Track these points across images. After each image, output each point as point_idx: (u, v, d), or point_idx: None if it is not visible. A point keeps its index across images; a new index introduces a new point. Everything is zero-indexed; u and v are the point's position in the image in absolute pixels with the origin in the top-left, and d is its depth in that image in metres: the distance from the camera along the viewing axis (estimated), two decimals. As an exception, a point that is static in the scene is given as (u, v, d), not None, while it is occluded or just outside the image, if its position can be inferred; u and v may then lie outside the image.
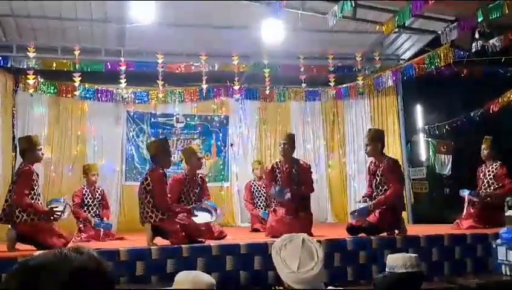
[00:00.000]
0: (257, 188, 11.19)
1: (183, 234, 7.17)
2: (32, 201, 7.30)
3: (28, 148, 7.55)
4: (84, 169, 10.07)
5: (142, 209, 7.26)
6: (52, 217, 7.41)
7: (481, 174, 9.58)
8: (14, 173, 7.71)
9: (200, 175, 8.71)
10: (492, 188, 9.36)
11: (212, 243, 7.10)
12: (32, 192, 7.38)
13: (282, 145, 8.68)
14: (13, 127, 11.23)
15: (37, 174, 7.62)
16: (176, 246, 6.90)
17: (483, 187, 9.47)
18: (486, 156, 9.51)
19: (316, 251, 2.92)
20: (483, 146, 9.54)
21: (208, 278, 3.19)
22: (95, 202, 9.80)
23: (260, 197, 11.10)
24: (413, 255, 4.24)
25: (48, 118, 11.94)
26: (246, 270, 6.81)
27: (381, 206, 7.62)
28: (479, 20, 8.86)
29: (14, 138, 11.16)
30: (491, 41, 9.45)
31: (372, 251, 7.22)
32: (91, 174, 9.86)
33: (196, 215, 7.56)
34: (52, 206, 7.56)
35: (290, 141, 8.66)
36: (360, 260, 7.19)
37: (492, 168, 9.38)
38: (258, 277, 6.74)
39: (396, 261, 4.08)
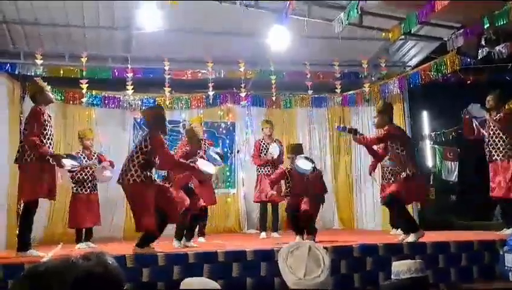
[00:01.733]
0: (265, 146, 11.19)
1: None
2: (43, 143, 7.44)
3: (37, 91, 7.75)
4: (79, 135, 10.21)
5: (127, 165, 7.28)
6: (57, 163, 7.70)
7: (486, 124, 9.52)
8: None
9: (200, 154, 8.96)
10: (495, 136, 9.25)
11: (219, 249, 7.10)
12: (44, 132, 7.52)
13: (290, 159, 8.98)
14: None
15: (49, 116, 7.76)
16: (182, 252, 6.92)
17: (489, 136, 9.34)
18: (491, 105, 9.44)
19: (322, 257, 2.93)
20: (488, 97, 9.49)
21: (214, 285, 3.20)
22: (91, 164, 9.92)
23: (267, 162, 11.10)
24: (418, 260, 4.25)
25: (54, 125, 11.95)
26: (252, 277, 6.81)
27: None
28: (485, 27, 8.87)
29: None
30: (497, 48, 9.45)
31: (378, 258, 7.22)
32: (85, 139, 10.03)
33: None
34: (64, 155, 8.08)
35: (295, 153, 8.77)
36: (366, 266, 7.18)
37: (498, 115, 9.32)
38: (264, 283, 6.74)
39: (401, 267, 4.10)
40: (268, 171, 10.98)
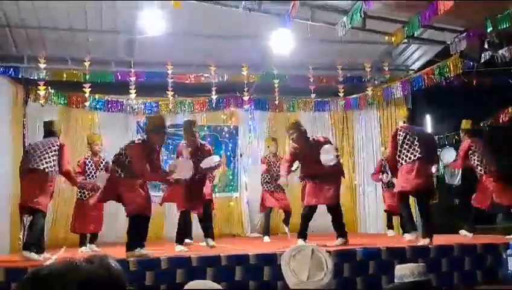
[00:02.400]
0: (272, 163, 11.22)
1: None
2: None
3: (58, 129, 8.73)
4: (88, 141, 10.20)
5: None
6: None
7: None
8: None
9: (200, 143, 8.95)
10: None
11: (222, 253, 7.11)
12: None
13: (289, 136, 8.86)
14: (24, 138, 11.26)
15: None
16: (186, 256, 6.93)
17: None
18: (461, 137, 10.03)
19: (325, 261, 2.92)
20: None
21: (218, 287, 3.20)
22: (98, 173, 9.79)
23: (275, 171, 11.08)
24: (421, 264, 4.26)
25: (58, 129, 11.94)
26: (255, 280, 6.81)
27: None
28: (488, 30, 8.87)
29: (24, 148, 11.18)
30: (500, 51, 9.45)
31: (381, 262, 7.21)
32: (94, 144, 9.95)
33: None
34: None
35: (294, 129, 8.73)
36: (369, 270, 7.18)
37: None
38: (267, 287, 6.74)
39: (404, 271, 4.09)
40: (272, 188, 11.06)
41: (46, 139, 8.45)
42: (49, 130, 8.61)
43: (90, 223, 9.65)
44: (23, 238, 10.72)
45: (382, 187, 11.44)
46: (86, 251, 9.25)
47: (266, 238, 10.75)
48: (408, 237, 8.20)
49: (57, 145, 8.29)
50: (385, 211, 11.47)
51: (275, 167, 11.08)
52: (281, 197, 10.97)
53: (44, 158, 8.09)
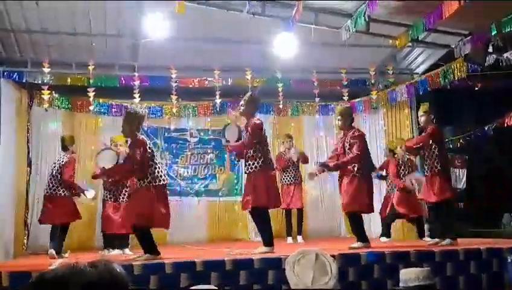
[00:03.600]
0: (287, 158, 11.59)
1: None
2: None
3: (71, 142, 9.74)
4: (110, 142, 10.21)
5: None
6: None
7: None
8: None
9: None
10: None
11: (226, 257, 7.09)
12: None
13: (337, 121, 9.17)
14: (28, 142, 11.27)
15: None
16: (189, 260, 6.92)
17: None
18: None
19: (329, 265, 2.92)
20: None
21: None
22: None
23: (289, 167, 11.57)
24: (426, 268, 4.25)
25: (62, 133, 11.95)
26: (259, 284, 6.79)
27: None
28: (493, 34, 8.85)
29: (28, 152, 11.21)
30: (504, 54, 9.43)
31: (386, 266, 7.19)
32: (113, 145, 9.98)
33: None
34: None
35: (341, 116, 8.96)
36: (374, 274, 7.16)
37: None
38: (272, 291, 6.73)
39: (410, 275, 4.08)
40: (290, 180, 11.50)
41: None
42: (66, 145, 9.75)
43: (114, 223, 9.69)
44: (27, 243, 10.80)
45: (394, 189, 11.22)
46: (108, 254, 9.58)
47: (290, 239, 11.20)
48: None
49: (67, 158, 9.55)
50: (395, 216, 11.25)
51: (289, 162, 11.52)
52: (295, 194, 11.41)
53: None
